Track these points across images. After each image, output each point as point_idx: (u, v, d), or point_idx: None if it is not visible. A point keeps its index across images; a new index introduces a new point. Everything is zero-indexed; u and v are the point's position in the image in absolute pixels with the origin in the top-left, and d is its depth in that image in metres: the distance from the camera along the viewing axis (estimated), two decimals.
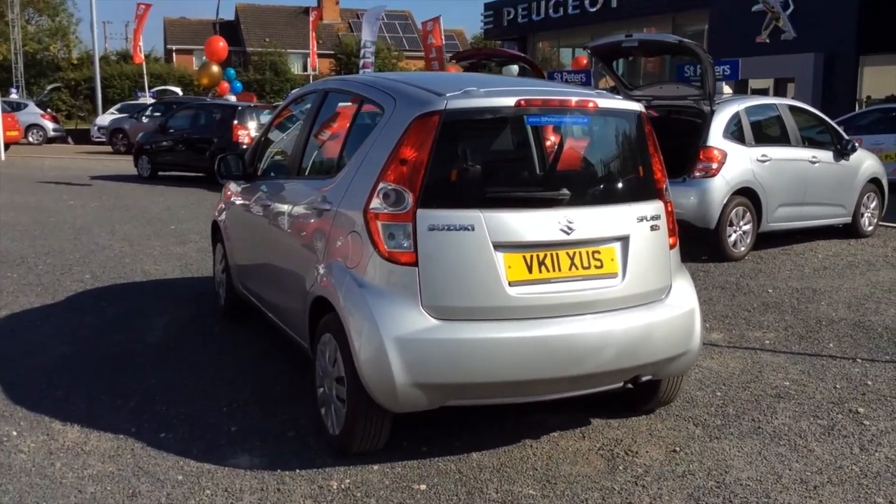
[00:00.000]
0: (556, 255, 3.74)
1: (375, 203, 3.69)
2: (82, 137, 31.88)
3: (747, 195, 8.75)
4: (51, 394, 4.68)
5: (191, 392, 4.73)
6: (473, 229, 3.61)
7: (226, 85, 30.10)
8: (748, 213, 8.77)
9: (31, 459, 3.85)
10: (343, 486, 3.63)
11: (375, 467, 3.80)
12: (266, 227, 4.95)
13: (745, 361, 5.44)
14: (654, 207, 4.04)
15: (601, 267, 3.82)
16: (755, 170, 8.77)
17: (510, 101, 3.73)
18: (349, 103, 4.57)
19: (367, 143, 3.96)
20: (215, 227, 6.35)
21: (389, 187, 3.67)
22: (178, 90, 37.90)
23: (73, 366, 5.16)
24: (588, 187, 3.97)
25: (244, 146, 16.20)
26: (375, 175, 3.73)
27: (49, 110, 32.85)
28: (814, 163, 9.34)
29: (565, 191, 3.80)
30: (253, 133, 16.42)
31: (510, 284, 3.65)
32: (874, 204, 10.39)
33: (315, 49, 34.12)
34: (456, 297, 3.62)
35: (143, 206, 12.98)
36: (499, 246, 3.64)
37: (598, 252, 3.83)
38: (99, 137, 30.22)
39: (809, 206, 9.47)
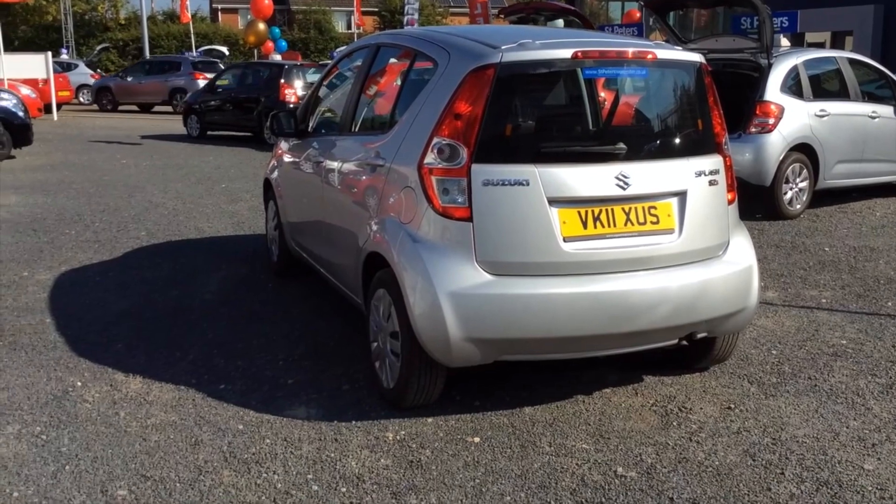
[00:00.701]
0: (612, 210, 3.71)
1: (430, 158, 3.69)
2: None
3: (804, 151, 8.54)
4: (112, 347, 4.80)
5: (247, 346, 4.82)
6: (528, 184, 3.59)
7: (271, 44, 30.13)
8: (805, 170, 8.57)
9: (95, 409, 3.97)
10: (398, 437, 3.68)
11: (429, 420, 3.84)
12: (318, 184, 4.98)
13: (801, 320, 5.36)
14: (712, 162, 3.97)
15: (657, 223, 3.78)
16: (813, 125, 8.54)
17: (566, 53, 3.67)
18: (401, 58, 4.55)
19: (420, 97, 3.94)
20: (267, 184, 6.41)
21: (444, 142, 3.65)
22: (225, 49, 38.05)
23: (132, 320, 5.29)
24: (645, 141, 3.90)
25: (291, 105, 16.29)
26: (429, 130, 3.72)
27: (99, 70, 33.22)
28: (873, 118, 9.07)
29: (621, 145, 3.75)
30: (300, 92, 16.48)
31: (565, 240, 3.63)
32: None
33: (360, 6, 33.86)
34: (510, 253, 3.61)
35: (193, 164, 13.14)
36: (553, 201, 3.61)
37: (655, 207, 3.78)
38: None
39: (868, 163, 9.22)
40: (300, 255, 5.73)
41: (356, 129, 4.74)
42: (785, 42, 15.91)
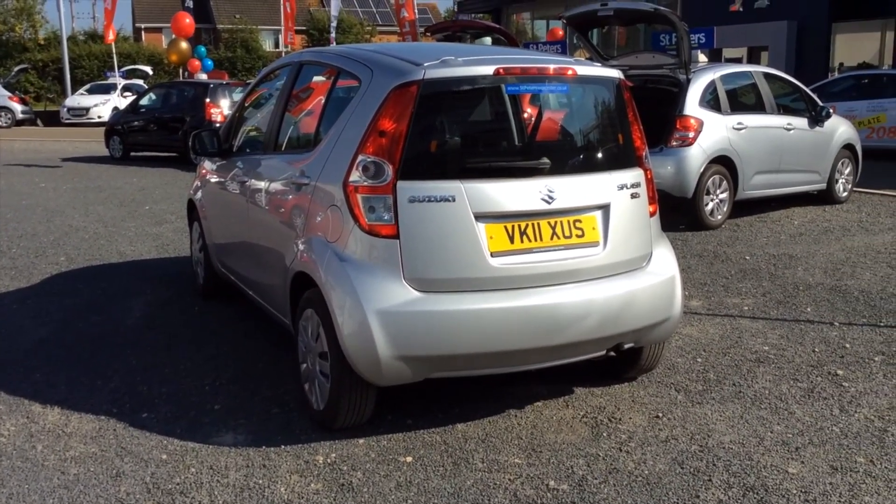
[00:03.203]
0: (538, 224, 3.73)
1: (355, 176, 3.66)
2: (51, 119, 31.38)
3: (723, 163, 8.78)
4: (29, 377, 4.62)
5: (172, 372, 4.69)
6: (454, 200, 3.59)
7: (197, 63, 29.73)
8: (724, 182, 8.81)
9: (11, 443, 3.81)
10: (329, 460, 3.62)
11: (361, 441, 3.79)
12: (243, 203, 4.90)
13: (725, 328, 5.48)
14: (634, 175, 4.04)
15: (582, 236, 3.82)
16: (731, 138, 8.80)
17: (489, 70, 3.69)
18: (325, 76, 4.52)
19: (344, 115, 3.92)
20: (191, 205, 6.28)
21: (368, 160, 3.63)
22: (149, 69, 37.31)
23: (51, 348, 5.10)
24: (568, 156, 3.95)
25: (217, 124, 16.04)
26: (354, 148, 3.70)
27: (17, 92, 32.25)
28: (789, 130, 9.39)
29: (545, 160, 3.78)
30: (226, 111, 16.22)
31: (492, 255, 3.64)
32: (848, 170, 10.47)
33: (288, 24, 33.65)
34: (438, 269, 3.60)
35: (116, 186, 12.82)
36: (480, 217, 3.62)
37: (580, 221, 3.83)
38: (69, 119, 29.79)
39: (785, 174, 9.53)
40: (227, 276, 5.63)
41: (281, 148, 4.69)
42: (703, 58, 16.37)
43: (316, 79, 4.64)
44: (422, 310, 3.56)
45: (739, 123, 8.89)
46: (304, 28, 52.21)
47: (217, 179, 5.58)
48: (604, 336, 3.84)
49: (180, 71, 37.26)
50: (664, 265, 4.13)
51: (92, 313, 5.82)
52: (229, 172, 5.29)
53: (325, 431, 3.87)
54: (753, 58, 21.25)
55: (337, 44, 30.19)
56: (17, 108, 30.05)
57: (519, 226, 3.70)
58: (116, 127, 17.77)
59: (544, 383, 4.42)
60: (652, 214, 4.13)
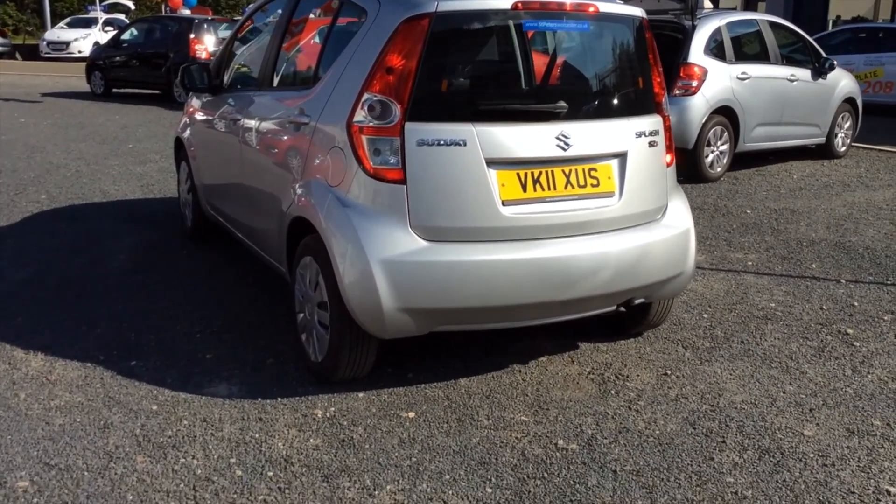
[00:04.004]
0: (552, 172, 3.54)
1: (359, 116, 3.43)
2: (31, 53, 30.55)
3: (725, 114, 8.57)
4: (11, 321, 4.41)
5: (161, 318, 4.50)
6: (465, 144, 3.38)
7: (179, 0, 28.86)
8: (725, 133, 8.61)
9: None
10: (328, 414, 3.47)
11: (360, 395, 3.64)
12: (236, 143, 4.65)
13: (730, 283, 5.35)
14: (652, 122, 3.84)
15: (598, 185, 3.63)
16: (735, 88, 8.57)
17: (506, 4, 3.44)
18: (325, 8, 4.25)
19: (347, 50, 3.67)
20: (178, 144, 6.02)
21: (375, 98, 3.40)
22: (130, 3, 36.32)
23: (34, 290, 4.89)
24: (585, 100, 3.73)
25: (201, 61, 15.61)
26: (359, 85, 3.46)
27: None
28: (792, 81, 9.17)
29: (562, 103, 3.57)
30: (211, 48, 15.83)
31: (503, 204, 3.44)
32: (848, 124, 10.29)
33: None
34: (446, 217, 3.41)
35: (98, 123, 12.45)
36: (492, 162, 3.42)
37: (595, 169, 3.63)
38: (48, 53, 29.01)
39: (786, 126, 9.33)
40: (216, 219, 5.41)
41: (276, 85, 4.43)
42: (708, 4, 16.01)
43: (315, 11, 4.37)
44: (428, 260, 3.38)
45: (743, 73, 8.66)
46: None
47: (207, 117, 5.32)
48: (617, 291, 3.68)
49: (163, 6, 36.27)
50: (679, 218, 3.95)
51: (75, 255, 5.59)
52: (220, 110, 5.04)
53: (323, 384, 3.71)
54: (750, 6, 20.87)
55: None
56: None
57: (532, 173, 3.50)
58: (98, 62, 17.27)
59: (548, 338, 4.27)
60: (668, 165, 3.94)
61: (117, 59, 16.96)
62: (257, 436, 3.28)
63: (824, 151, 10.11)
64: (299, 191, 3.78)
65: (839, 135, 10.18)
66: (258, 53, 4.80)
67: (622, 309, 3.89)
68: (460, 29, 3.50)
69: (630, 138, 3.71)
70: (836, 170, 9.52)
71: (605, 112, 3.74)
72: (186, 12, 26.20)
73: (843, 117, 10.14)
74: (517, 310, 3.54)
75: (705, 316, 4.73)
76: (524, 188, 3.49)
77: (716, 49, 8.58)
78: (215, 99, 5.14)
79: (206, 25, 16.25)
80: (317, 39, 4.24)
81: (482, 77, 3.64)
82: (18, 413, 3.42)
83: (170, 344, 4.17)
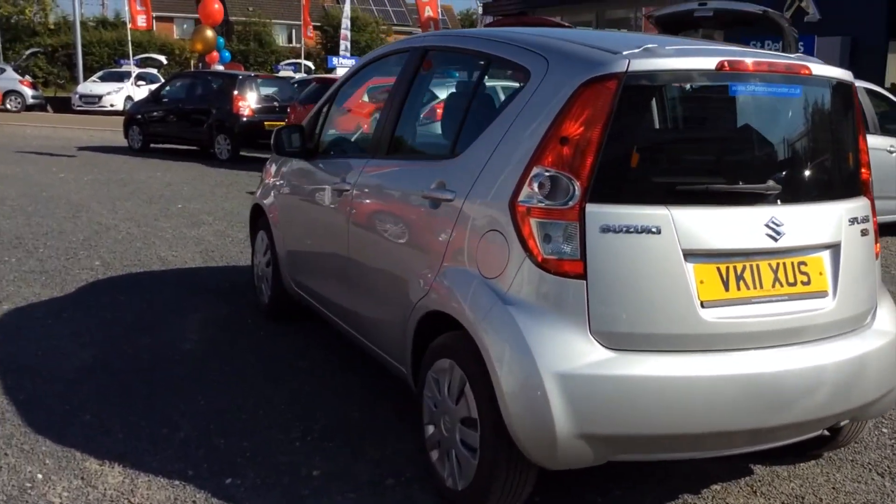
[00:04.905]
0: (757, 266, 2.89)
1: (527, 193, 2.82)
2: (61, 106, 30.50)
3: None
4: (79, 418, 3.77)
5: (250, 419, 3.84)
6: (660, 232, 2.75)
7: (215, 54, 28.83)
8: None
9: None
10: None
11: None
12: (341, 216, 4.04)
13: None
14: (862, 206, 3.21)
15: (808, 283, 2.98)
16: None
17: (710, 63, 2.84)
18: (464, 66, 3.67)
19: (505, 115, 3.06)
20: (257, 211, 5.43)
21: (547, 173, 2.79)
22: (163, 58, 36.46)
23: (99, 378, 4.25)
24: (796, 179, 3.09)
25: (244, 118, 15.23)
26: (526, 157, 2.85)
27: (28, 76, 31.35)
28: (891, 153, 8.55)
29: (773, 183, 2.94)
30: (253, 105, 15.46)
31: (703, 305, 2.79)
32: None
33: (308, 19, 32.82)
34: (634, 322, 2.76)
35: (140, 180, 11.97)
36: (690, 254, 2.78)
37: (805, 263, 2.98)
38: (80, 106, 28.93)
39: (883, 200, 8.64)
40: (302, 297, 4.78)
41: (396, 152, 3.83)
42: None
43: (450, 69, 3.79)
44: (616, 374, 2.72)
45: None
46: (318, 24, 51.38)
47: (298, 184, 4.73)
48: (831, 414, 3.00)
49: (191, 62, 36.37)
50: (890, 321, 3.28)
51: (140, 333, 4.96)
52: (317, 176, 4.45)
53: None
54: None
55: (351, 42, 29.46)
56: (28, 92, 29.20)
57: (735, 268, 2.86)
58: (136, 116, 16.92)
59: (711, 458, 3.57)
60: (876, 256, 3.29)
61: (156, 113, 16.61)
62: None
63: None
64: (438, 280, 3.15)
65: None
66: (367, 116, 4.22)
67: (827, 433, 3.21)
68: (654, 91, 2.90)
69: (844, 225, 3.07)
70: None
71: (817, 194, 3.10)
72: (220, 68, 26.16)
73: None
74: (717, 438, 2.86)
75: (884, 430, 4.02)
76: (726, 286, 2.84)
77: None
78: (309, 165, 4.56)
79: (249, 82, 15.90)
80: (454, 102, 3.65)
81: (679, 150, 3.01)
82: None
83: (266, 454, 3.50)
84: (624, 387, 2.73)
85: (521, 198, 2.83)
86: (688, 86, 2.92)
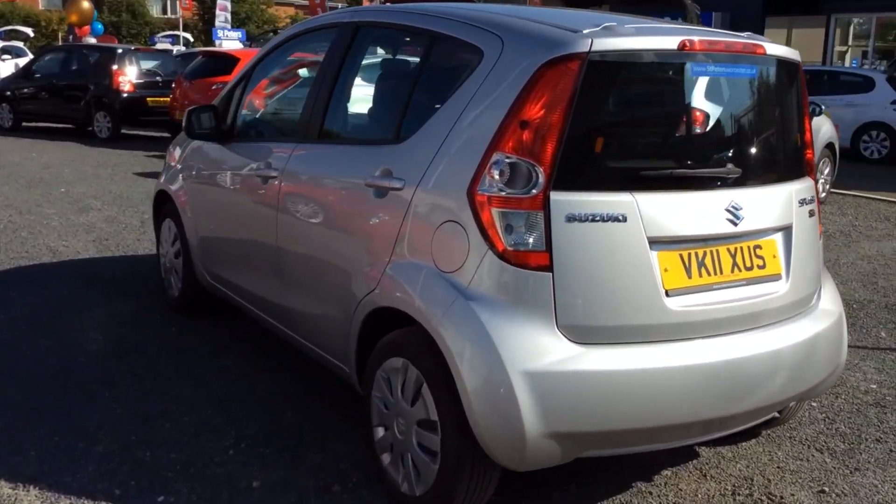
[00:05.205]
0: (717, 252, 2.84)
1: (487, 181, 2.66)
2: None
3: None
4: None
5: (175, 426, 3.56)
6: (626, 220, 2.65)
7: (86, 27, 27.22)
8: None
9: None
10: None
11: None
12: (268, 205, 3.77)
13: None
14: (808, 187, 3.21)
15: (764, 267, 2.95)
16: None
17: (671, 42, 2.74)
18: (403, 44, 3.46)
19: (456, 98, 2.88)
20: (162, 197, 5.06)
21: (508, 160, 2.64)
22: (29, 30, 34.23)
23: (2, 388, 3.84)
24: (754, 162, 3.05)
25: (125, 94, 14.43)
26: (484, 142, 2.69)
27: None
28: None
29: (732, 166, 2.89)
30: (134, 80, 14.65)
31: (668, 294, 2.72)
32: (827, 170, 10.06)
33: None
34: (601, 314, 2.66)
35: (14, 162, 11.14)
36: (654, 242, 2.70)
37: (760, 247, 2.96)
38: None
39: None
40: (220, 290, 4.47)
41: (330, 137, 3.59)
42: None
43: (387, 47, 3.57)
44: (584, 370, 2.61)
45: None
46: None
47: (213, 169, 4.40)
48: (787, 397, 3.01)
49: (59, 35, 34.26)
50: (833, 301, 3.32)
51: (40, 335, 4.54)
52: (236, 161, 4.14)
53: None
54: None
55: (231, 11, 28.35)
56: None
57: (696, 254, 2.80)
58: (6, 93, 15.75)
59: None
60: (819, 236, 3.31)
61: (28, 90, 15.52)
62: None
63: None
64: (388, 275, 2.96)
65: (819, 181, 9.92)
66: (291, 95, 3.95)
67: (777, 415, 3.22)
68: (617, 72, 2.77)
69: (794, 207, 3.06)
70: (827, 218, 9.20)
71: (771, 176, 3.07)
72: (92, 41, 24.70)
73: (823, 162, 9.90)
74: (684, 429, 2.81)
75: (814, 404, 4.10)
76: (689, 273, 2.78)
77: None
78: (227, 149, 4.24)
79: (129, 55, 15.03)
80: (394, 82, 3.43)
81: (642, 134, 2.91)
82: None
83: (198, 466, 3.24)
84: (593, 382, 2.63)
85: (480, 186, 2.67)
86: (650, 66, 2.81)
